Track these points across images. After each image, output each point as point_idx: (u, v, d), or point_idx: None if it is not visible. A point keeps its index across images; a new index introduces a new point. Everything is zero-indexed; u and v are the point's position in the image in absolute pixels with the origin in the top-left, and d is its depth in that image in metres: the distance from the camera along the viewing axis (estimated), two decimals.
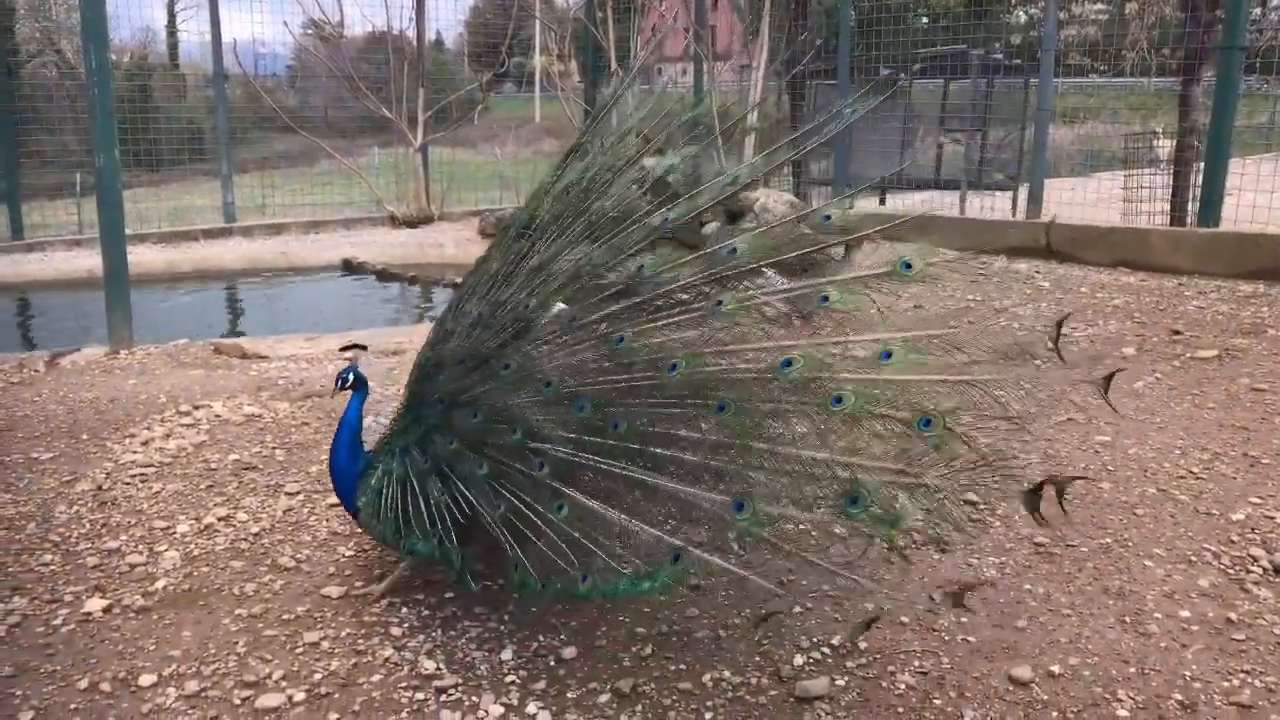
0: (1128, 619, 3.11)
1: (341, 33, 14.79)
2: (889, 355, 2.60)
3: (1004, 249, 9.05)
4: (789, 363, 2.61)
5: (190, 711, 2.70)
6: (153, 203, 13.48)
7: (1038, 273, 8.38)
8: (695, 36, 12.72)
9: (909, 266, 2.70)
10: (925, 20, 16.63)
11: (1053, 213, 9.85)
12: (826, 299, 2.76)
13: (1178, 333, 6.27)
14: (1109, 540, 3.62)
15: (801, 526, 2.68)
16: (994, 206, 10.88)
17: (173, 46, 26.76)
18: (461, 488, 2.96)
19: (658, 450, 2.76)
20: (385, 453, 3.20)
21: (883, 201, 12.90)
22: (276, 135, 17.44)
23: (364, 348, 3.48)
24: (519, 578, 2.83)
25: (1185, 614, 3.13)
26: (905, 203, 12.10)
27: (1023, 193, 10.74)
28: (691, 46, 13.17)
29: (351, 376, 3.31)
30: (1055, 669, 2.86)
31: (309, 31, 15.95)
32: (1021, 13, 18.73)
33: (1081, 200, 9.64)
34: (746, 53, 13.67)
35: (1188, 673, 2.84)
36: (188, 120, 17.39)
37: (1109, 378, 2.77)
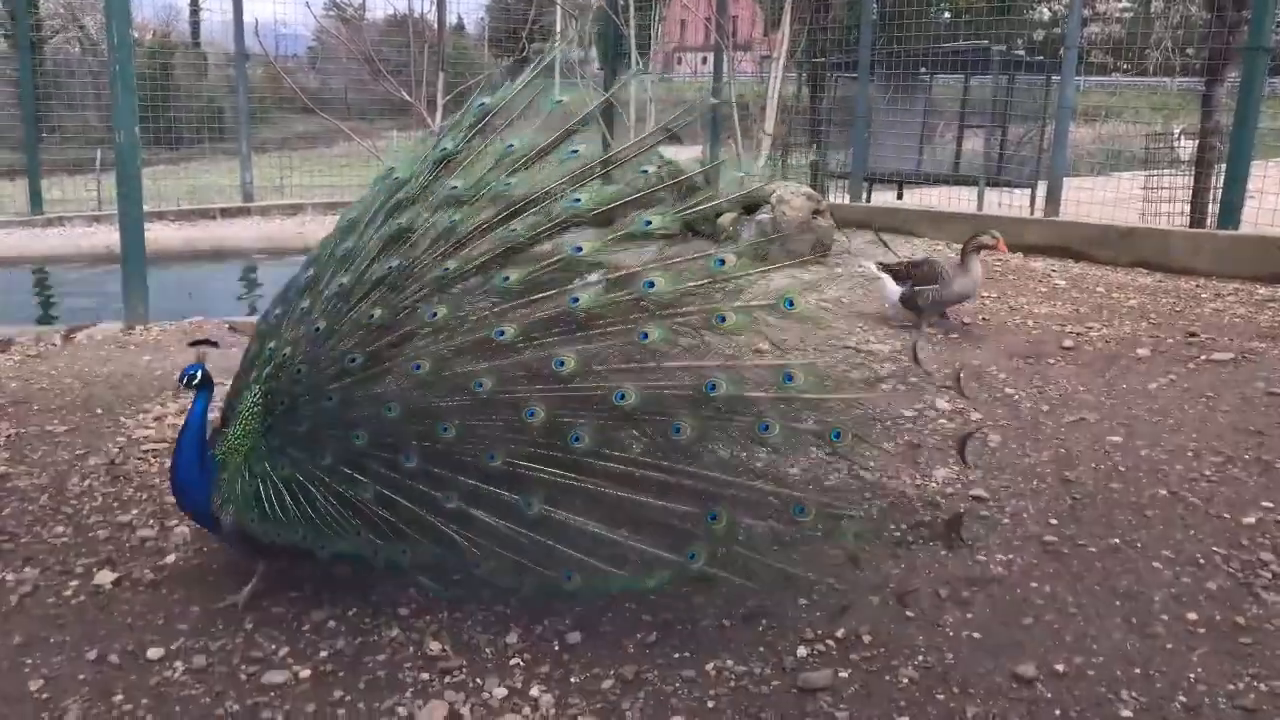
0: (1134, 620, 3.10)
1: (363, 15, 14.82)
2: (790, 378, 2.92)
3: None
4: (713, 386, 2.89)
5: (197, 685, 2.72)
6: (172, 181, 13.56)
7: (1053, 271, 8.33)
8: (716, 26, 12.67)
9: (791, 304, 2.98)
10: (948, 14, 16.53)
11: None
12: (724, 319, 3.00)
13: (1194, 335, 6.23)
14: (1118, 541, 3.61)
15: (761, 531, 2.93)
16: (1011, 203, 10.83)
17: (195, 25, 26.84)
18: (380, 486, 2.89)
19: (609, 465, 2.92)
20: (248, 453, 2.99)
21: (900, 196, 12.87)
22: (296, 116, 17.49)
23: (214, 344, 3.22)
24: (486, 571, 2.88)
25: (1192, 616, 3.12)
26: (922, 198, 12.05)
27: (1041, 190, 10.69)
28: (712, 36, 13.11)
29: (199, 374, 3.08)
30: (1060, 667, 2.85)
31: (330, 13, 15.97)
32: (1045, 9, 18.61)
33: (1100, 200, 9.58)
34: (767, 43, 13.61)
35: (1193, 675, 2.83)
36: (208, 99, 17.46)
37: (965, 438, 3.39)
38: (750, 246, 3.16)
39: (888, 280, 6.47)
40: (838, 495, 3.02)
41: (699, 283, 3.03)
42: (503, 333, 2.96)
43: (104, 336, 6.27)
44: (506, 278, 3.03)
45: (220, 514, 2.98)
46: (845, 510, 2.93)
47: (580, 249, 3.06)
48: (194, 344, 3.22)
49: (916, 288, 6.28)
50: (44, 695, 2.68)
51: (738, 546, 2.84)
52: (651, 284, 2.99)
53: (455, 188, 3.19)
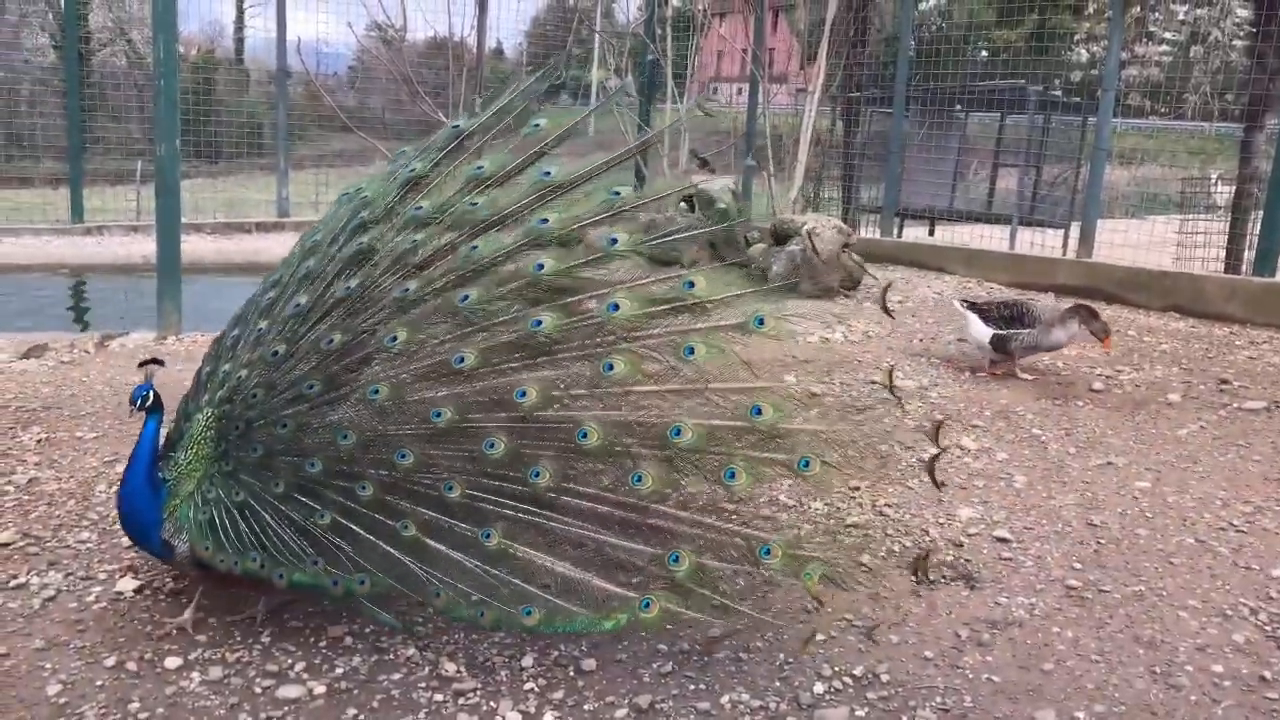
0: (1158, 670, 3.06)
1: (404, 36, 14.98)
2: (759, 411, 2.91)
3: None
4: (678, 431, 2.88)
5: (212, 697, 2.73)
6: (210, 194, 13.74)
7: None
8: (753, 58, 12.73)
9: (761, 322, 2.96)
10: (985, 53, 16.53)
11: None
12: (692, 351, 2.97)
13: (1226, 382, 6.16)
14: (1143, 588, 3.56)
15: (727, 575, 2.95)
16: (1044, 243, 10.78)
17: (239, 42, 27.27)
18: (336, 514, 2.87)
19: (571, 501, 2.94)
20: (200, 479, 2.94)
21: (931, 232, 12.83)
22: (334, 134, 17.71)
23: (161, 363, 3.14)
24: (443, 605, 2.85)
25: (1218, 669, 3.06)
26: (954, 235, 12.01)
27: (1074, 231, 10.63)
28: (748, 67, 13.17)
29: (151, 396, 3.01)
30: (1080, 715, 2.81)
31: (372, 33, 16.16)
32: (1083, 50, 18.57)
33: (1134, 243, 9.51)
34: (803, 76, 13.66)
35: None
36: (249, 115, 17.72)
37: (938, 425, 3.19)
38: (720, 268, 3.13)
39: (975, 319, 6.26)
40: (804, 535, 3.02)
41: (665, 305, 2.99)
42: (463, 359, 2.92)
43: (136, 345, 6.34)
44: (466, 296, 2.98)
45: (174, 541, 2.92)
46: (810, 553, 2.90)
47: (543, 266, 3.02)
48: (143, 363, 3.12)
49: (1011, 331, 6.11)
50: (61, 700, 2.70)
51: (704, 589, 2.83)
52: (616, 306, 2.95)
53: (421, 208, 3.17)
